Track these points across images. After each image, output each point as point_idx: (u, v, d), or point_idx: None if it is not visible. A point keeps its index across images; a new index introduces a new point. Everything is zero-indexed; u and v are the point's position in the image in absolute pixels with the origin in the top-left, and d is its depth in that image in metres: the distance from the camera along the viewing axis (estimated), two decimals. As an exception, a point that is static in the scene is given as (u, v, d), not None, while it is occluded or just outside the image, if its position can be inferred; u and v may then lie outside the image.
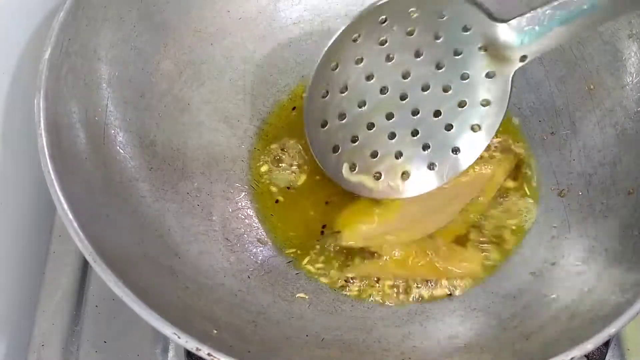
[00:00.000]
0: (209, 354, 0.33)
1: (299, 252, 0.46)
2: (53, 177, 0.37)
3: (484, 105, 0.46)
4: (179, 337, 0.33)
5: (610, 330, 0.34)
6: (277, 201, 0.48)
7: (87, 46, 0.43)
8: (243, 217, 0.47)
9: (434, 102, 0.46)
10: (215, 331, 0.37)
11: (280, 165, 0.49)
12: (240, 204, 0.48)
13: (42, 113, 0.38)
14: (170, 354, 0.46)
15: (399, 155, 0.47)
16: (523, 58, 0.43)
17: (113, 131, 0.43)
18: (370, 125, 0.46)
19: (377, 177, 0.47)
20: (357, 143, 0.46)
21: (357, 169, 0.47)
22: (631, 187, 0.43)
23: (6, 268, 0.48)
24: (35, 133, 0.38)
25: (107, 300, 0.47)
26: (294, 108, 0.51)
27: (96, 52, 0.43)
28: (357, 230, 0.46)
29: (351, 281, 0.45)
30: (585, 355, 0.34)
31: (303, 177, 0.49)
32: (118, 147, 0.43)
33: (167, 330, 0.33)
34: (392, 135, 0.46)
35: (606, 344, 0.44)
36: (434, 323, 0.42)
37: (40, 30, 0.48)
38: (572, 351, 0.33)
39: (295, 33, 0.52)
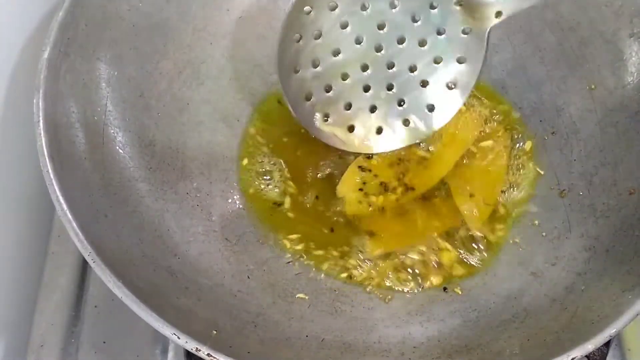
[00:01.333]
0: (208, 355, 0.33)
1: (298, 248, 0.46)
2: (52, 177, 0.37)
3: (460, 63, 0.45)
4: (178, 338, 0.33)
5: (611, 330, 0.34)
6: (277, 204, 0.48)
7: (86, 46, 0.42)
8: (243, 217, 0.47)
9: (410, 56, 0.45)
10: (214, 332, 0.36)
11: (280, 164, 0.49)
12: (239, 204, 0.47)
13: (41, 113, 0.38)
14: (170, 354, 0.45)
15: (373, 109, 0.47)
16: (498, 14, 0.43)
17: (112, 131, 0.43)
18: (345, 76, 0.46)
19: (351, 129, 0.47)
20: (330, 93, 0.46)
21: (330, 119, 0.46)
22: (632, 187, 0.43)
23: (5, 268, 0.48)
24: (34, 133, 0.38)
25: (107, 300, 0.47)
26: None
27: (95, 52, 0.43)
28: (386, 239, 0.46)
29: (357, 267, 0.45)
30: (586, 356, 0.34)
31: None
32: (117, 147, 0.43)
33: (167, 330, 0.33)
34: (366, 88, 0.46)
35: (607, 345, 0.44)
36: (434, 324, 0.42)
37: (39, 29, 0.48)
38: (573, 351, 0.33)
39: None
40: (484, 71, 0.50)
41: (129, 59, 0.45)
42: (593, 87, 0.47)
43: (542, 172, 0.48)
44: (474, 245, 0.46)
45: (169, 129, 0.47)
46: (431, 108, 0.47)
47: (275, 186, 0.48)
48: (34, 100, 0.39)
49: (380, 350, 0.40)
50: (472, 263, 0.45)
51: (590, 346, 0.33)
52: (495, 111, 0.50)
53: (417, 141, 0.47)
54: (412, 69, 0.46)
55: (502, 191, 0.48)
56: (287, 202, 0.47)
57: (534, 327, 0.39)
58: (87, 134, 0.41)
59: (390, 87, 0.46)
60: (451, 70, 0.46)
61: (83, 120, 0.41)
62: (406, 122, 0.47)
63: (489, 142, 0.49)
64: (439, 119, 0.47)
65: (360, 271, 0.45)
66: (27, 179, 0.49)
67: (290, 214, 0.47)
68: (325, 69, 0.45)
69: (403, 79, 0.46)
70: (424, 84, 0.46)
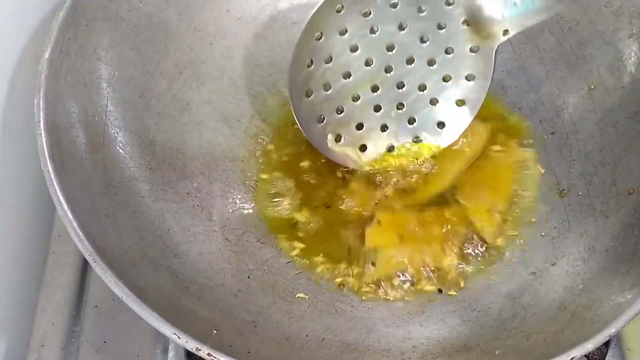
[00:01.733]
0: (209, 354, 0.33)
1: (301, 252, 0.46)
2: (53, 177, 0.37)
3: (468, 80, 0.46)
4: (179, 338, 0.33)
5: (611, 330, 0.34)
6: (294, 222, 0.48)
7: (87, 46, 0.43)
8: (243, 217, 0.47)
9: (419, 75, 0.46)
10: (215, 331, 0.37)
11: (279, 165, 0.49)
12: (240, 204, 0.48)
13: (42, 113, 0.38)
14: (170, 354, 0.46)
15: (384, 128, 0.47)
16: (505, 32, 0.44)
17: (113, 131, 0.43)
18: (356, 97, 0.46)
19: (363, 149, 0.48)
20: (342, 114, 0.47)
21: (342, 140, 0.47)
22: (631, 187, 0.43)
23: (6, 268, 0.48)
24: (34, 133, 0.38)
25: (107, 300, 0.47)
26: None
27: (96, 52, 0.43)
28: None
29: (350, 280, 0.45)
30: (585, 355, 0.34)
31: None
32: (118, 147, 0.43)
33: (167, 330, 0.33)
34: (377, 108, 0.47)
35: (606, 344, 0.44)
36: (434, 323, 0.42)
37: (39, 29, 0.48)
38: (572, 351, 0.33)
39: (295, 33, 0.52)
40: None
41: (129, 59, 0.45)
42: (592, 87, 0.47)
43: (542, 171, 0.48)
44: (478, 252, 0.46)
45: (170, 129, 0.47)
46: (441, 125, 0.48)
47: (289, 204, 0.48)
48: (35, 100, 0.39)
49: (380, 350, 0.40)
50: (475, 270, 0.45)
51: (589, 346, 0.33)
52: (500, 120, 0.50)
53: (428, 156, 0.48)
54: (422, 87, 0.47)
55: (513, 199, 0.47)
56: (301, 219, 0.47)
57: (534, 327, 0.39)
58: (87, 134, 0.41)
59: (400, 106, 0.47)
60: (460, 87, 0.47)
61: (84, 121, 0.41)
62: (417, 139, 0.48)
63: (496, 152, 0.49)
64: (449, 135, 0.48)
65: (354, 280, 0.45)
66: (28, 179, 0.49)
67: (300, 234, 0.47)
68: (336, 91, 0.46)
69: (413, 97, 0.47)
70: (434, 102, 0.47)
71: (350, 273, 0.45)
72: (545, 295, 0.42)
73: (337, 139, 0.47)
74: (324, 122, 0.47)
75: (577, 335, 0.35)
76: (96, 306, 0.47)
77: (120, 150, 0.43)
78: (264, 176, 0.49)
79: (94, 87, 0.43)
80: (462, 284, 0.44)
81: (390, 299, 0.44)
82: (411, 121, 0.48)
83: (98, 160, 0.41)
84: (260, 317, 0.41)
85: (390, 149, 0.48)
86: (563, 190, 0.47)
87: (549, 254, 0.44)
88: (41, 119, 0.38)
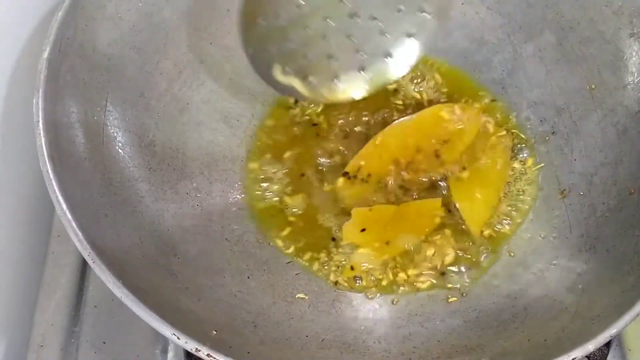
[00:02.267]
0: (208, 355, 0.33)
1: (300, 251, 0.46)
2: (52, 177, 0.37)
3: (421, 13, 0.45)
4: (178, 338, 0.33)
5: (612, 330, 0.34)
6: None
7: (86, 45, 0.42)
8: (243, 217, 0.47)
9: (371, 4, 0.44)
10: (214, 332, 0.36)
11: (279, 165, 0.49)
12: (239, 204, 0.47)
13: (41, 113, 0.38)
14: (170, 354, 0.46)
15: (331, 58, 0.46)
16: None
17: (112, 131, 0.43)
18: (306, 26, 0.45)
19: (308, 80, 0.46)
20: (289, 43, 0.45)
21: (288, 69, 0.45)
22: (632, 188, 0.43)
23: (5, 268, 0.48)
24: (34, 133, 0.38)
25: (106, 300, 0.47)
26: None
27: (95, 52, 0.43)
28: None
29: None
30: (586, 356, 0.34)
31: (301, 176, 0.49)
32: (117, 147, 0.43)
33: (167, 331, 0.33)
34: (325, 37, 0.45)
35: (607, 345, 0.44)
36: (434, 324, 0.42)
37: (39, 29, 0.48)
38: (574, 352, 0.33)
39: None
40: (483, 71, 0.51)
41: (129, 59, 0.45)
42: (593, 87, 0.47)
43: (542, 173, 0.48)
44: (471, 245, 0.46)
45: (169, 129, 0.47)
46: (389, 56, 0.46)
47: (277, 193, 0.48)
48: (34, 100, 0.39)
49: (380, 350, 0.40)
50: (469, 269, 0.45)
51: (590, 346, 0.33)
52: (496, 113, 0.50)
53: (373, 90, 0.47)
54: (373, 17, 0.45)
55: (504, 194, 0.48)
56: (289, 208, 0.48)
57: (534, 327, 0.39)
58: (87, 134, 0.41)
59: (349, 36, 0.45)
60: (412, 20, 0.45)
61: (83, 120, 0.41)
62: (364, 71, 0.46)
63: (491, 143, 0.48)
64: (396, 68, 0.46)
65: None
66: (27, 179, 0.49)
67: (292, 218, 0.47)
68: (286, 18, 0.44)
69: (363, 27, 0.45)
70: (384, 33, 0.45)
71: (332, 264, 0.45)
72: (545, 295, 0.42)
73: (283, 68, 0.45)
74: (271, 50, 0.45)
75: (578, 335, 0.35)
76: (96, 306, 0.47)
77: (120, 150, 0.43)
78: (253, 165, 0.49)
79: (93, 87, 0.43)
80: (462, 292, 0.44)
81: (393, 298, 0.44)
82: (359, 51, 0.45)
83: (97, 160, 0.41)
84: (260, 317, 0.41)
85: (336, 79, 0.46)
86: (564, 190, 0.47)
87: (549, 255, 0.44)
88: (40, 118, 0.38)
